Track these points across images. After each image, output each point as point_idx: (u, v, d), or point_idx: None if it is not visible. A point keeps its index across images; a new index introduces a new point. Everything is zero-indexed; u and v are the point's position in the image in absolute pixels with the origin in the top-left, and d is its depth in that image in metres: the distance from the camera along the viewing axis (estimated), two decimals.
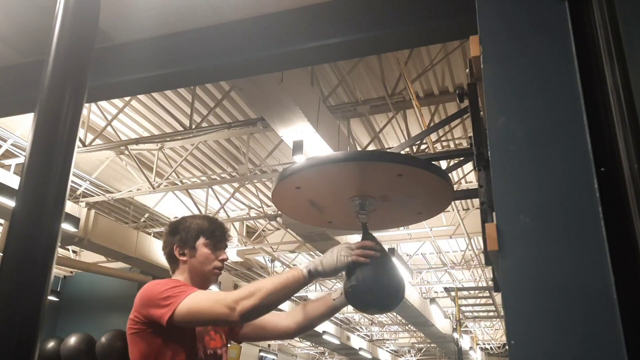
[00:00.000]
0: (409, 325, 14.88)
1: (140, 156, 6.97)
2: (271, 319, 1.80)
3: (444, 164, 2.00)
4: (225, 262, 1.76)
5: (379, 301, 1.49)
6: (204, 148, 6.83)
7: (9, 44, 2.55)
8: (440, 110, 5.91)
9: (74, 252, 9.67)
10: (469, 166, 6.24)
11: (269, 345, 14.84)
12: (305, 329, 1.80)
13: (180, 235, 1.72)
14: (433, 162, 1.53)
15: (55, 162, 1.10)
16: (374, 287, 1.46)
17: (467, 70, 1.61)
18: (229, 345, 1.82)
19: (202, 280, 1.70)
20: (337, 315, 13.83)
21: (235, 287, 9.80)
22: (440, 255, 10.83)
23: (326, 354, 19.36)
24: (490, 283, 10.81)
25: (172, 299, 1.50)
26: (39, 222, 1.06)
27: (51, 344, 8.92)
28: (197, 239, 1.71)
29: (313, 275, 1.47)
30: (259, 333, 1.83)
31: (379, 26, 2.12)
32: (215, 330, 1.73)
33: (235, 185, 7.69)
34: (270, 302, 1.45)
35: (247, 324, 1.80)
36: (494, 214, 1.12)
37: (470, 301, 14.09)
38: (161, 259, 7.40)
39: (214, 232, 1.73)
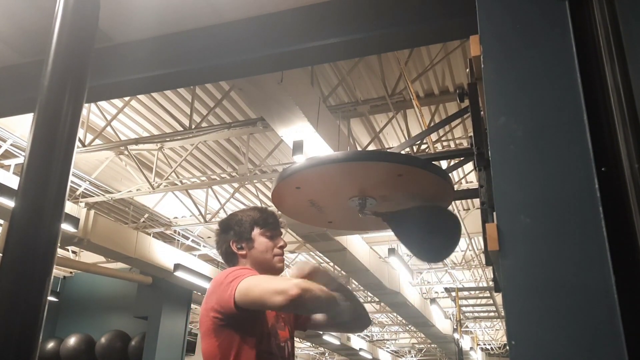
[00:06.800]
0: (410, 326, 14.88)
1: (140, 156, 6.96)
2: None
3: (444, 164, 2.00)
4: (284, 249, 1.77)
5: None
6: (203, 148, 6.82)
7: (8, 44, 2.55)
8: (440, 110, 5.91)
9: (73, 252, 9.66)
10: (469, 166, 6.24)
11: None
12: (357, 320, 1.82)
13: (234, 230, 1.72)
14: (433, 162, 1.53)
15: (55, 162, 1.10)
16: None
17: (467, 70, 1.61)
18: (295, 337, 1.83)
19: (266, 269, 1.69)
20: None
21: None
22: None
23: (326, 354, 19.35)
24: (491, 283, 10.81)
25: (236, 279, 1.51)
26: (38, 223, 1.06)
27: (51, 345, 8.93)
28: (252, 230, 1.72)
29: None
30: (321, 321, 1.84)
31: (378, 26, 2.12)
32: (284, 321, 1.73)
33: (235, 185, 7.68)
34: (320, 306, 1.52)
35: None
36: (494, 214, 1.12)
37: (471, 301, 14.09)
38: (161, 259, 7.31)
39: (267, 220, 1.74)
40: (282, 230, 1.81)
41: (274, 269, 1.72)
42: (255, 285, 1.48)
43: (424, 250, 1.64)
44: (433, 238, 1.57)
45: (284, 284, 1.43)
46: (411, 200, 1.59)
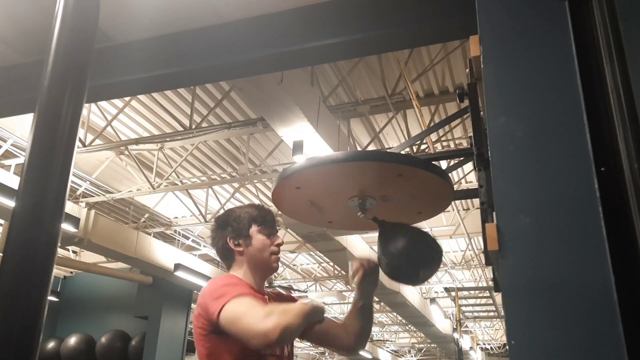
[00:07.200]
0: (409, 326, 14.87)
1: (140, 156, 6.96)
2: (334, 330, 1.78)
3: (444, 164, 2.00)
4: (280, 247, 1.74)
5: (413, 271, 1.60)
6: (204, 148, 6.82)
7: (8, 44, 2.55)
8: (440, 110, 5.90)
9: (74, 252, 9.66)
10: (469, 166, 6.23)
11: None
12: (361, 338, 1.79)
13: (231, 226, 1.70)
14: (433, 162, 1.53)
15: (55, 162, 1.10)
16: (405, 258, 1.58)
17: (467, 70, 1.61)
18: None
19: (263, 267, 1.68)
20: (336, 316, 13.81)
21: None
22: None
23: (326, 354, 19.36)
24: (491, 283, 10.81)
25: (222, 297, 1.48)
26: (39, 223, 1.06)
27: (51, 344, 8.93)
28: (250, 227, 1.70)
29: None
30: (321, 339, 1.81)
31: (378, 26, 2.12)
32: None
33: (235, 185, 7.68)
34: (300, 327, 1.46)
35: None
36: (494, 213, 1.12)
37: (471, 301, 14.08)
38: (161, 259, 7.29)
39: (265, 217, 1.72)
40: (279, 228, 1.80)
41: (269, 268, 1.71)
42: (239, 318, 1.44)
43: (403, 268, 1.62)
44: (417, 259, 1.58)
45: (266, 326, 1.38)
46: (411, 200, 1.60)
